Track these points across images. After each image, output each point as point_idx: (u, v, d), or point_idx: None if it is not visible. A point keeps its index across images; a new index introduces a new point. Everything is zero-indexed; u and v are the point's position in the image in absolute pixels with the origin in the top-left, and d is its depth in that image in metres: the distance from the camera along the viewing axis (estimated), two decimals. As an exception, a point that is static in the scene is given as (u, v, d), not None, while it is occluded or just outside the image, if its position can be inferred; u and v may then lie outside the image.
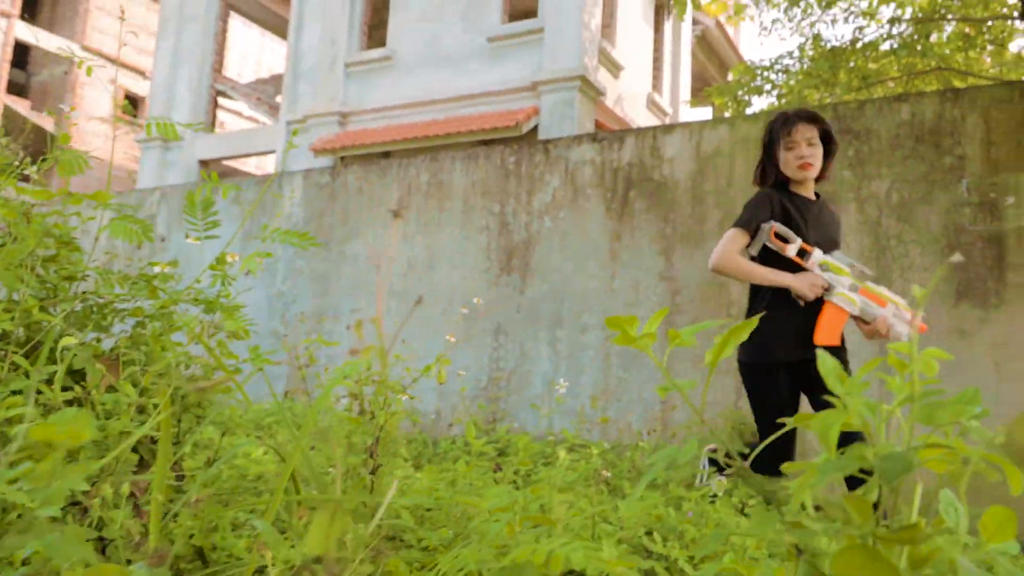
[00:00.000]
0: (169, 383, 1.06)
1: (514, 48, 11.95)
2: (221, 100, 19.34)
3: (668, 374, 0.62)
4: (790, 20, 11.51)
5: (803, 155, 2.74)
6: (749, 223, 2.76)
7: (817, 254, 2.71)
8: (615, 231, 5.61)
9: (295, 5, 14.40)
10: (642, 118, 14.11)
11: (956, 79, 10.38)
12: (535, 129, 11.39)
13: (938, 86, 10.44)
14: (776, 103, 10.69)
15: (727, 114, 12.00)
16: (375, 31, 15.13)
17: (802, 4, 11.09)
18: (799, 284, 2.64)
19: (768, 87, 10.68)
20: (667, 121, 15.41)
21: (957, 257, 0.54)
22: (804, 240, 2.74)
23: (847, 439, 2.26)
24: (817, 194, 2.93)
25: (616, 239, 5.60)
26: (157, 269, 1.46)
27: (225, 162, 16.58)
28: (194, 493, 1.14)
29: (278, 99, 15.79)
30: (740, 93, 10.89)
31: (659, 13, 15.44)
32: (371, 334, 6.50)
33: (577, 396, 5.55)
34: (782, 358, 2.69)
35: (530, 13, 13.63)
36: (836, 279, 2.68)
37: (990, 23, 10.18)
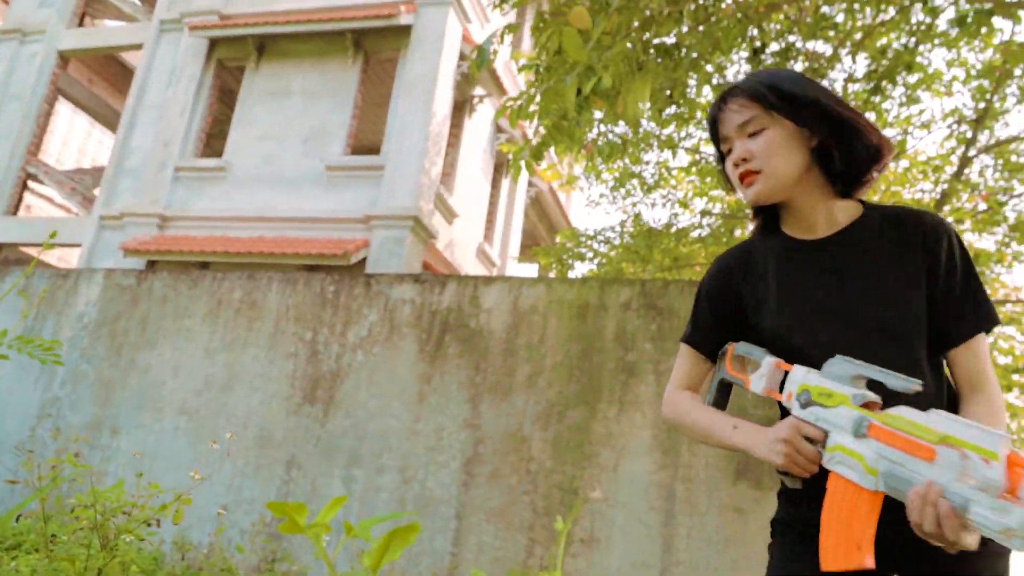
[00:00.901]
0: None
1: (353, 180, 12.08)
2: (32, 184, 18.09)
3: (332, 568, 0.57)
4: (615, 198, 12.45)
5: (738, 158, 1.55)
6: (691, 335, 1.70)
7: (797, 373, 1.43)
8: (426, 373, 5.58)
9: (131, 101, 13.96)
10: (470, 265, 14.48)
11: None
12: (363, 261, 11.39)
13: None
14: (596, 270, 11.34)
15: (552, 274, 12.57)
16: (213, 140, 14.89)
17: (627, 185, 12.04)
18: (763, 451, 1.42)
19: (590, 254, 11.34)
20: (494, 272, 15.91)
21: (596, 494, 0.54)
22: (778, 341, 1.52)
23: None
24: (857, 222, 1.53)
25: (426, 381, 5.56)
26: None
27: (24, 248, 15.32)
28: None
29: (95, 192, 14.97)
30: (565, 256, 11.49)
31: (498, 170, 16.23)
32: (152, 452, 5.97)
33: (366, 541, 5.28)
34: None
35: (373, 149, 13.94)
36: (832, 416, 1.33)
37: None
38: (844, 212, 1.55)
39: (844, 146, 1.49)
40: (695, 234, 11.01)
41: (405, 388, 5.59)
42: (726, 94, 1.59)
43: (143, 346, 6.39)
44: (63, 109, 21.22)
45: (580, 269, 13.73)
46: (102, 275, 6.79)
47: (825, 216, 1.55)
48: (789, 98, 1.50)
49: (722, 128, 1.58)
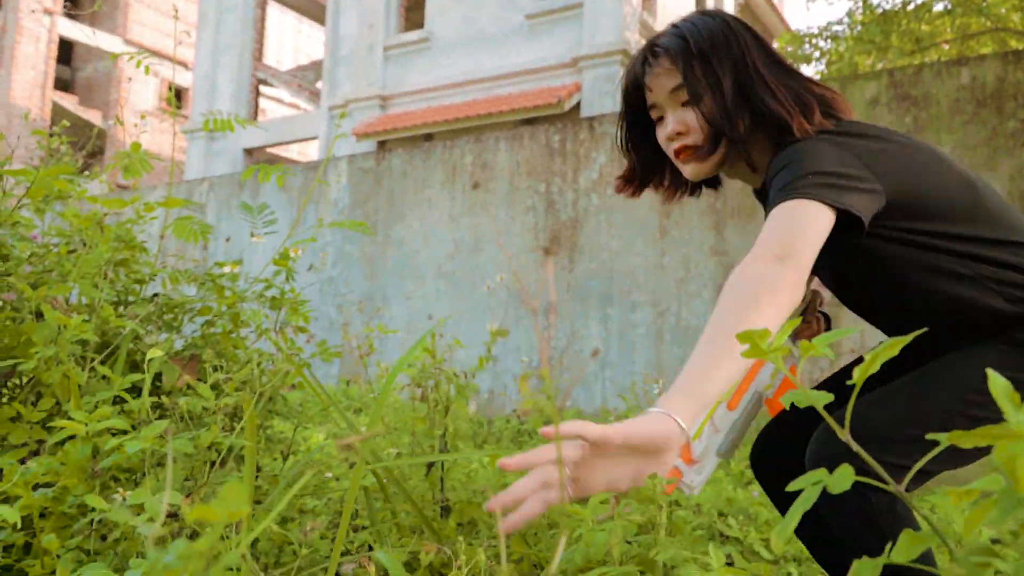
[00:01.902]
0: (251, 387, 1.06)
1: (553, 24, 11.83)
2: (262, 88, 19.51)
3: (802, 386, 0.59)
4: (837, -16, 11.19)
5: (672, 132, 1.38)
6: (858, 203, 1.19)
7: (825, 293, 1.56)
8: (664, 207, 5.54)
9: (332, -10, 14.42)
10: (684, 90, 13.88)
11: (1012, 39, 10.01)
12: (577, 106, 11.28)
13: (993, 47, 10.08)
14: (825, 72, 10.42)
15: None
16: (412, 13, 15.10)
17: (850, -33, 10.75)
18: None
19: (817, 55, 10.40)
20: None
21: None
22: None
23: None
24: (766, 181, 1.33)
25: (665, 215, 5.53)
26: (226, 268, 1.47)
27: (269, 149, 16.75)
28: (276, 498, 1.14)
29: (318, 85, 15.88)
30: (788, 62, 10.60)
31: (699, -19, 15.15)
32: (420, 315, 6.54)
33: (630, 374, 5.51)
34: None
35: (568, -12, 13.47)
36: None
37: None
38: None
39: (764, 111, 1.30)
40: (938, 7, 9.71)
41: (645, 225, 5.60)
42: (649, 52, 1.40)
43: (393, 221, 6.87)
44: (271, 12, 22.40)
45: (807, 73, 12.61)
46: (345, 162, 7.29)
47: (760, 171, 1.42)
48: (709, 69, 1.32)
49: (650, 95, 1.40)
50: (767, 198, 1.29)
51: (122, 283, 1.45)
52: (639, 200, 5.62)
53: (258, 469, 1.48)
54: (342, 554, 1.52)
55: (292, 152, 20.93)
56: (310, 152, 21.90)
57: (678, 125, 1.36)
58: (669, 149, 1.40)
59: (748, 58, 1.33)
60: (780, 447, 1.50)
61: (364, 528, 1.55)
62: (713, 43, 1.33)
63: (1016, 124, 4.37)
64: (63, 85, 24.04)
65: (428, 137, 12.21)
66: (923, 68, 4.71)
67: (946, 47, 10.22)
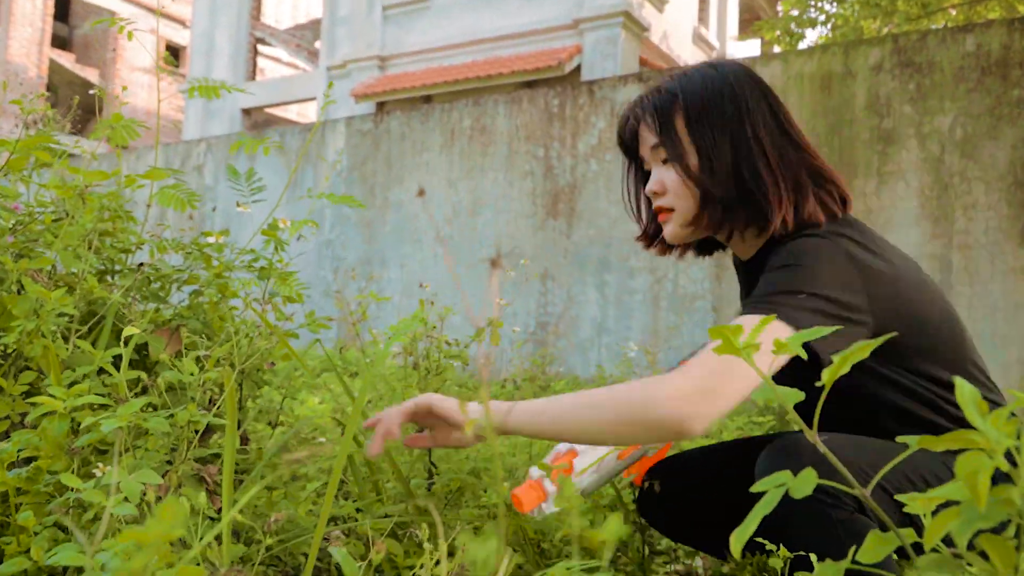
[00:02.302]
0: (234, 360, 1.06)
1: (554, -16, 11.65)
2: (260, 47, 19.29)
3: (772, 384, 0.58)
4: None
5: (650, 190, 1.31)
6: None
7: None
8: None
9: (330, -54, 14.18)
10: (688, 54, 13.72)
11: (1021, 4, 9.86)
12: (578, 69, 11.16)
13: (1001, 13, 9.93)
14: (831, 35, 10.27)
15: (776, 49, 11.61)
16: (412, -29, 14.86)
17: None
18: None
19: (822, 18, 10.24)
20: (714, 56, 14.99)
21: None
22: None
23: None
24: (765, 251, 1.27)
25: (664, 182, 5.49)
26: (211, 239, 1.45)
27: (267, 109, 16.60)
28: (260, 469, 1.15)
29: (317, 44, 15.69)
30: (792, 26, 10.46)
31: (704, -59, 14.90)
32: (418, 278, 6.53)
33: (626, 340, 5.52)
34: None
35: (570, -54, 13.24)
36: None
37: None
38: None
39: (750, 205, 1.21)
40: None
41: (644, 191, 5.57)
42: (638, 105, 1.32)
43: (391, 184, 6.83)
44: (270, -32, 22.06)
45: (811, 38, 12.46)
46: (343, 124, 7.23)
47: (748, 242, 1.31)
48: (697, 130, 1.23)
49: (640, 146, 1.33)
50: (750, 271, 1.28)
51: (107, 253, 1.44)
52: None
53: (245, 440, 1.49)
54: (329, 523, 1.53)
55: (291, 112, 20.75)
56: (309, 113, 21.72)
57: (655, 184, 1.28)
58: (653, 207, 1.34)
59: (747, 123, 1.22)
60: (674, 492, 1.45)
61: (349, 499, 1.56)
62: (706, 102, 1.24)
63: (1021, 92, 4.32)
64: (60, 43, 23.76)
65: (427, 99, 12.10)
66: (928, 34, 4.64)
67: (953, 12, 10.08)
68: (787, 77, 5.04)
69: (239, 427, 1.57)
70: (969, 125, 4.45)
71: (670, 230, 1.30)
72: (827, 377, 0.54)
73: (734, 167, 1.21)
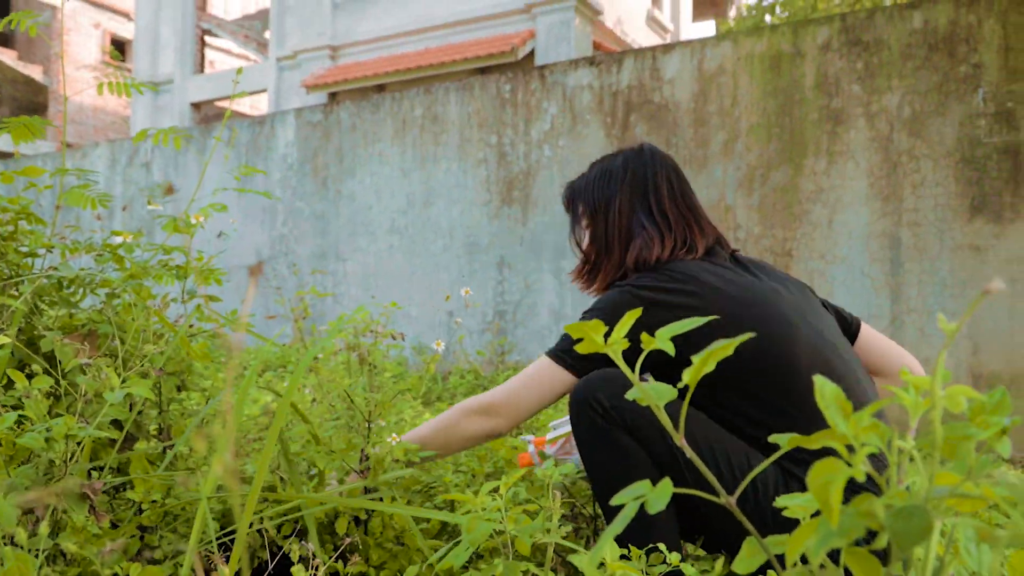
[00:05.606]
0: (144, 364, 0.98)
1: (506, -31, 11.54)
2: (210, 39, 18.89)
3: (636, 379, 0.52)
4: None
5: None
6: None
7: None
8: (617, 158, 5.46)
9: (277, -66, 13.90)
10: (643, 37, 13.71)
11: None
12: (532, 54, 11.08)
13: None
14: (787, 15, 10.31)
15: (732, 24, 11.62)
16: (361, -42, 14.64)
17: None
18: None
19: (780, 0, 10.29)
20: (669, 39, 15.00)
21: (998, 285, 0.44)
22: None
23: None
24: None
25: (618, 166, 5.45)
26: (119, 239, 1.37)
27: (218, 103, 16.28)
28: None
29: (267, 35, 15.40)
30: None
31: (655, -76, 14.87)
32: (373, 272, 6.43)
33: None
34: None
35: (521, -69, 13.13)
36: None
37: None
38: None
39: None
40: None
41: (598, 176, 5.52)
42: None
43: (344, 176, 6.71)
44: (217, -42, 21.60)
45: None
46: (292, 115, 7.08)
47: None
48: (589, 205, 1.67)
49: None
50: None
51: (12, 258, 1.35)
52: (592, 150, 5.54)
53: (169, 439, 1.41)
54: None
55: (244, 105, 20.38)
56: (262, 105, 21.37)
57: (569, 241, 1.72)
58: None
59: (617, 200, 1.61)
60: None
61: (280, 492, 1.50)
62: (590, 187, 1.68)
63: (968, 68, 4.35)
64: (2, 40, 23.06)
65: (380, 88, 11.94)
66: (876, 12, 4.65)
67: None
68: (737, 57, 5.02)
69: (160, 431, 1.49)
70: (917, 103, 4.47)
71: (579, 285, 1.73)
72: (692, 374, 0.50)
73: (605, 236, 1.67)
